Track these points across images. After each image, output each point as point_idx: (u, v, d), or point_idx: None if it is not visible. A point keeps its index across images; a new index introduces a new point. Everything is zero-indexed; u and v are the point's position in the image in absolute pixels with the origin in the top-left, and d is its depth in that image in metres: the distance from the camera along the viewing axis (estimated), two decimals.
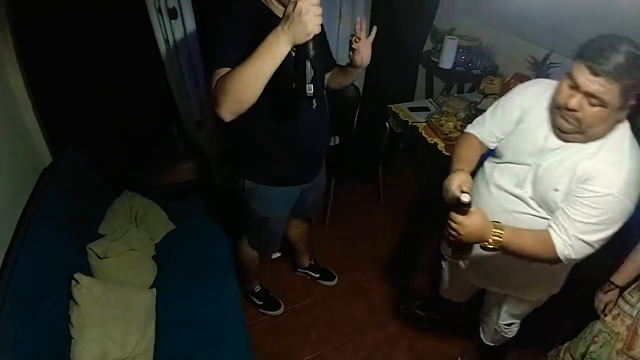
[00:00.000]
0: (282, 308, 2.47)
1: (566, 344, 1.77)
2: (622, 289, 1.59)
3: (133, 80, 2.38)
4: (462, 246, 1.36)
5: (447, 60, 2.94)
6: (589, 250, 1.31)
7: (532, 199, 1.43)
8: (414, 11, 2.90)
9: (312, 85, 1.22)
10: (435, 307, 2.38)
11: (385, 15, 2.79)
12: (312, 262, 2.68)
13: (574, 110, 1.24)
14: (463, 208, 1.27)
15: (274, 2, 1.47)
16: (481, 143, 1.60)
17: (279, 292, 2.52)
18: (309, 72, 1.21)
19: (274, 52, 1.17)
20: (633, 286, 1.56)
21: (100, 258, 1.80)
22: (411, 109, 2.71)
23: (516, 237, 1.34)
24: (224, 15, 1.40)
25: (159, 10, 2.24)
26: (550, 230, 1.34)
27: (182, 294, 1.91)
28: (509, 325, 1.85)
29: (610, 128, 1.29)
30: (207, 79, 1.65)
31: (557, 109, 1.30)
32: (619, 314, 1.57)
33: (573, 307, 1.83)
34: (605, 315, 1.60)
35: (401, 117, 2.67)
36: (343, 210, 3.12)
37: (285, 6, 1.16)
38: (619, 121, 1.29)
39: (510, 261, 1.44)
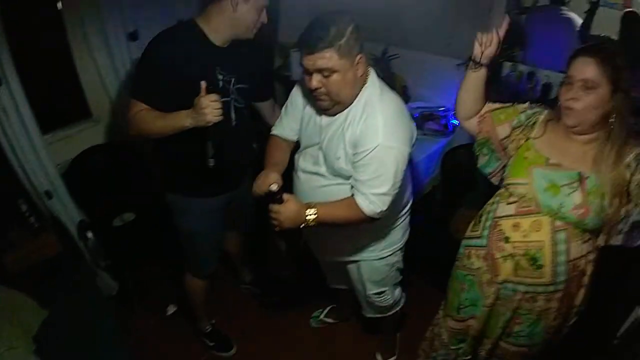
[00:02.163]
0: (235, 349, 2.42)
1: (441, 310, 1.87)
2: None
3: None
4: (290, 234, 1.55)
5: (298, 72, 3.01)
6: (389, 199, 1.50)
7: (327, 172, 1.62)
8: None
9: (213, 160, 1.58)
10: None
11: None
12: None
13: (318, 88, 1.43)
14: (276, 198, 1.45)
15: (211, 31, 1.66)
16: (285, 140, 1.78)
17: (234, 329, 2.47)
18: (210, 151, 1.57)
19: (177, 126, 1.58)
20: (473, 222, 1.69)
21: None
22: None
23: (328, 211, 1.52)
24: (154, 51, 1.62)
25: None
26: (353, 195, 1.51)
27: None
28: (379, 294, 1.97)
29: (358, 86, 1.49)
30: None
31: (311, 94, 1.49)
32: (469, 253, 1.66)
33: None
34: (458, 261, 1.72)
35: None
36: None
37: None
38: (362, 77, 1.49)
39: (335, 231, 1.68)
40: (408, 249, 1.95)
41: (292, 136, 1.77)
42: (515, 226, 1.47)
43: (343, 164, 1.53)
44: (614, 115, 1.36)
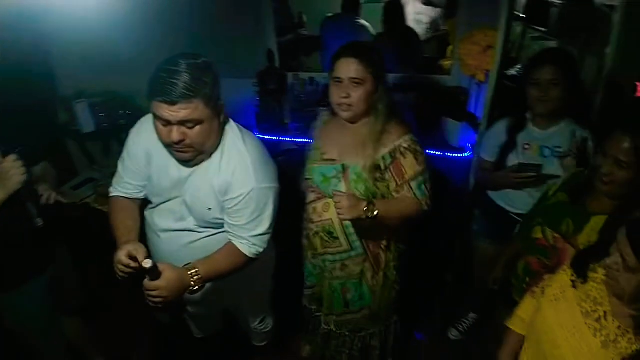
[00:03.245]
0: None
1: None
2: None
3: None
4: (170, 303, 1.33)
5: (87, 124, 2.83)
6: (268, 237, 1.49)
7: (197, 225, 1.51)
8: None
9: (40, 219, 1.47)
10: None
11: None
12: None
13: (181, 141, 1.27)
14: (152, 273, 1.24)
15: None
16: (131, 200, 1.56)
17: None
18: (32, 210, 1.46)
19: None
20: None
21: None
22: (75, 187, 2.51)
23: (211, 266, 1.39)
24: None
25: None
26: (233, 242, 1.45)
27: None
28: (261, 322, 2.05)
29: (220, 134, 1.39)
30: None
31: (169, 147, 1.34)
32: (304, 233, 1.90)
33: None
34: None
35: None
36: None
37: None
38: (224, 124, 1.41)
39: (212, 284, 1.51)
40: None
41: (136, 194, 1.56)
42: (314, 209, 1.76)
43: (216, 213, 1.45)
44: (378, 105, 1.59)
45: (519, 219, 1.91)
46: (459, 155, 2.75)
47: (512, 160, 1.89)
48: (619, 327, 1.06)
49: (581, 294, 1.16)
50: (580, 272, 1.18)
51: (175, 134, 1.26)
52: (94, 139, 3.04)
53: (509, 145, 1.90)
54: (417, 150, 1.61)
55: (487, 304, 2.15)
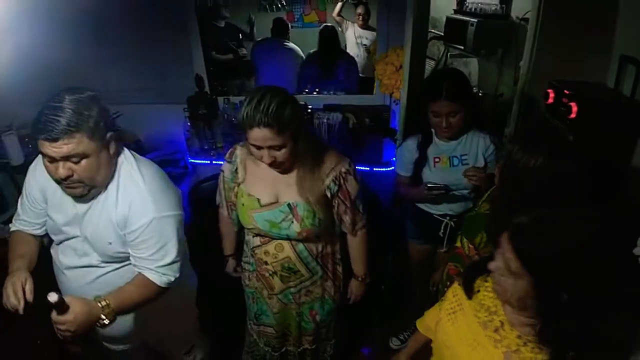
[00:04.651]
0: None
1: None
2: None
3: None
4: (80, 336, 1.32)
5: (16, 156, 2.81)
6: (178, 265, 1.47)
7: (100, 260, 1.49)
8: None
9: None
10: None
11: None
12: None
13: (68, 177, 1.28)
14: (59, 307, 1.21)
15: None
16: (33, 235, 1.56)
17: None
18: None
19: None
20: (243, 253, 1.97)
21: None
22: (5, 222, 2.49)
23: (122, 298, 1.37)
24: None
25: None
26: (142, 273, 1.43)
27: None
28: (188, 354, 2.03)
29: (113, 164, 1.39)
30: None
31: (59, 183, 1.33)
32: (248, 275, 1.92)
33: None
34: None
35: None
36: None
37: None
38: (116, 155, 1.39)
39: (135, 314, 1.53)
40: None
41: (36, 231, 1.55)
42: (266, 252, 1.76)
43: (118, 247, 1.43)
44: (306, 150, 1.56)
45: (443, 219, 2.09)
46: (384, 170, 2.92)
47: (426, 173, 2.04)
48: (519, 337, 1.03)
49: (476, 304, 1.14)
50: (467, 285, 1.17)
51: (62, 170, 1.26)
52: (23, 172, 2.99)
53: (421, 161, 2.05)
54: (354, 170, 1.70)
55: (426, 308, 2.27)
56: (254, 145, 1.50)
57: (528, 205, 0.99)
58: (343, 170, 1.65)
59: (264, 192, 1.65)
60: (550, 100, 1.94)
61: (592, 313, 0.89)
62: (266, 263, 1.77)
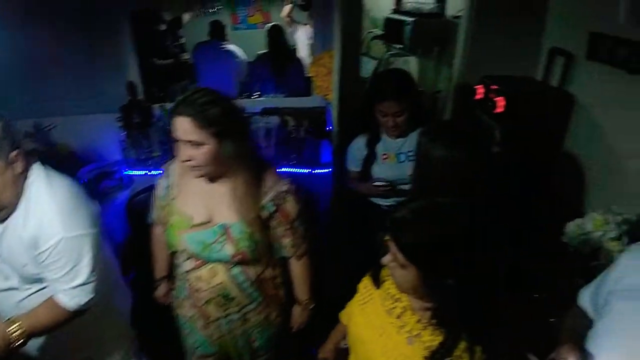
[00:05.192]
0: None
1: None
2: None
3: None
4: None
5: None
6: (92, 286, 1.40)
7: (21, 282, 1.45)
8: None
9: None
10: None
11: None
12: None
13: None
14: None
15: None
16: None
17: None
18: None
19: None
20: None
21: None
22: None
23: (33, 320, 1.33)
24: None
25: None
26: (53, 295, 1.38)
27: None
28: None
29: (21, 183, 1.34)
30: None
31: None
32: (181, 303, 1.73)
33: None
34: None
35: None
36: None
37: None
38: (24, 172, 1.34)
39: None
40: None
41: None
42: (199, 277, 1.59)
43: (33, 269, 1.37)
44: (237, 161, 1.43)
45: (390, 209, 2.09)
46: (323, 171, 2.88)
47: (375, 169, 2.10)
48: (419, 321, 1.08)
49: (383, 293, 1.18)
50: (375, 275, 1.23)
51: None
52: None
53: (370, 157, 2.10)
54: (295, 189, 1.59)
55: None
56: (175, 140, 1.41)
57: (434, 194, 1.04)
58: (282, 189, 1.54)
59: (196, 210, 1.53)
60: (479, 96, 1.97)
61: (477, 295, 0.99)
62: (199, 290, 1.62)
